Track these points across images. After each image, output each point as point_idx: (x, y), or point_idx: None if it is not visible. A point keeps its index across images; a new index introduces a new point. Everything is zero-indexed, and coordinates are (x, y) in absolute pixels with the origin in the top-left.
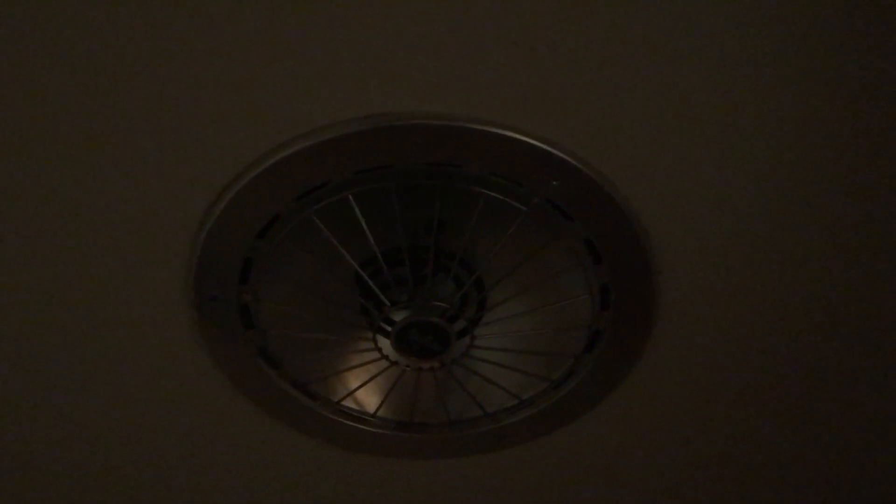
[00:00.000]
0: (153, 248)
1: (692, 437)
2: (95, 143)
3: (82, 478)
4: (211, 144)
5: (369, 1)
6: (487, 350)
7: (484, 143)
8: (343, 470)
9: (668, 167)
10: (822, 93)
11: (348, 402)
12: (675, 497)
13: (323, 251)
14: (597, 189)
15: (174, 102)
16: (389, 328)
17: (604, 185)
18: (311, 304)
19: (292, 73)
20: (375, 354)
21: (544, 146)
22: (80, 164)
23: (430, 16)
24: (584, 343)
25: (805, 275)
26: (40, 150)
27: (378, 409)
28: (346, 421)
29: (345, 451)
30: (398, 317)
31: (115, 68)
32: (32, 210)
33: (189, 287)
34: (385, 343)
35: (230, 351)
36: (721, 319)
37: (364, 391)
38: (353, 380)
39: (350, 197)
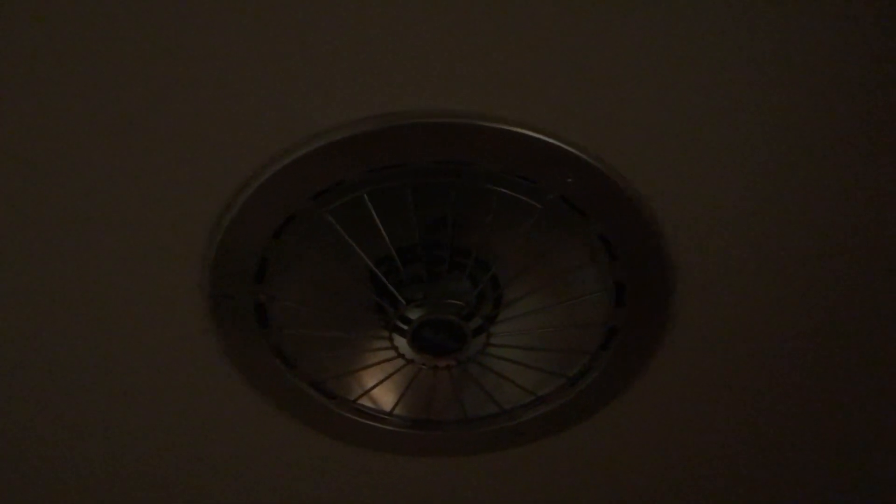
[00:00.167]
0: (170, 248)
1: (707, 433)
2: (115, 145)
3: (98, 474)
4: (226, 146)
5: (382, 1)
6: (503, 347)
7: (497, 140)
8: (359, 468)
9: (683, 163)
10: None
11: (364, 401)
12: (690, 493)
13: (338, 250)
14: (611, 185)
15: (191, 104)
16: (405, 326)
17: (618, 181)
18: (327, 303)
19: (305, 74)
20: (391, 353)
21: (558, 143)
22: (100, 165)
23: (442, 14)
24: (600, 340)
25: (825, 271)
26: (72, 151)
27: (394, 407)
28: (362, 419)
29: (361, 450)
30: (414, 315)
31: (135, 69)
32: (59, 211)
33: (205, 287)
34: (401, 341)
35: (246, 350)
36: (737, 316)
37: (380, 389)
38: (369, 378)
39: (364, 196)
